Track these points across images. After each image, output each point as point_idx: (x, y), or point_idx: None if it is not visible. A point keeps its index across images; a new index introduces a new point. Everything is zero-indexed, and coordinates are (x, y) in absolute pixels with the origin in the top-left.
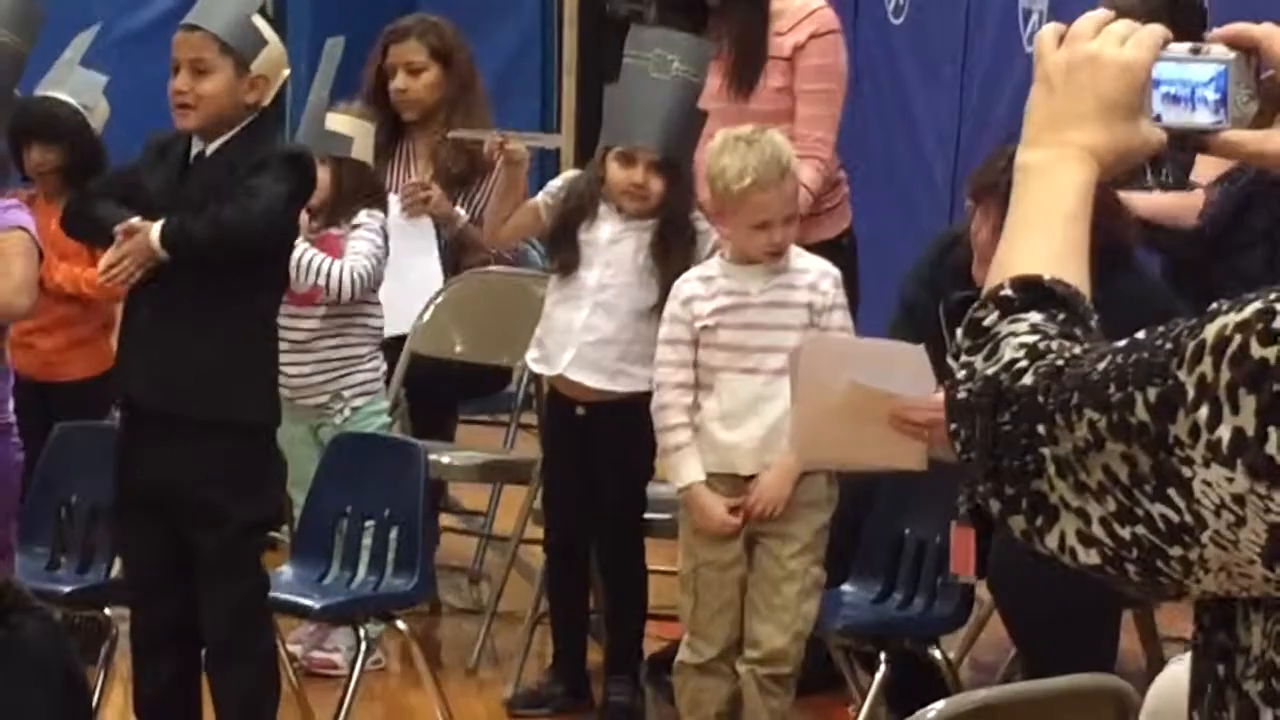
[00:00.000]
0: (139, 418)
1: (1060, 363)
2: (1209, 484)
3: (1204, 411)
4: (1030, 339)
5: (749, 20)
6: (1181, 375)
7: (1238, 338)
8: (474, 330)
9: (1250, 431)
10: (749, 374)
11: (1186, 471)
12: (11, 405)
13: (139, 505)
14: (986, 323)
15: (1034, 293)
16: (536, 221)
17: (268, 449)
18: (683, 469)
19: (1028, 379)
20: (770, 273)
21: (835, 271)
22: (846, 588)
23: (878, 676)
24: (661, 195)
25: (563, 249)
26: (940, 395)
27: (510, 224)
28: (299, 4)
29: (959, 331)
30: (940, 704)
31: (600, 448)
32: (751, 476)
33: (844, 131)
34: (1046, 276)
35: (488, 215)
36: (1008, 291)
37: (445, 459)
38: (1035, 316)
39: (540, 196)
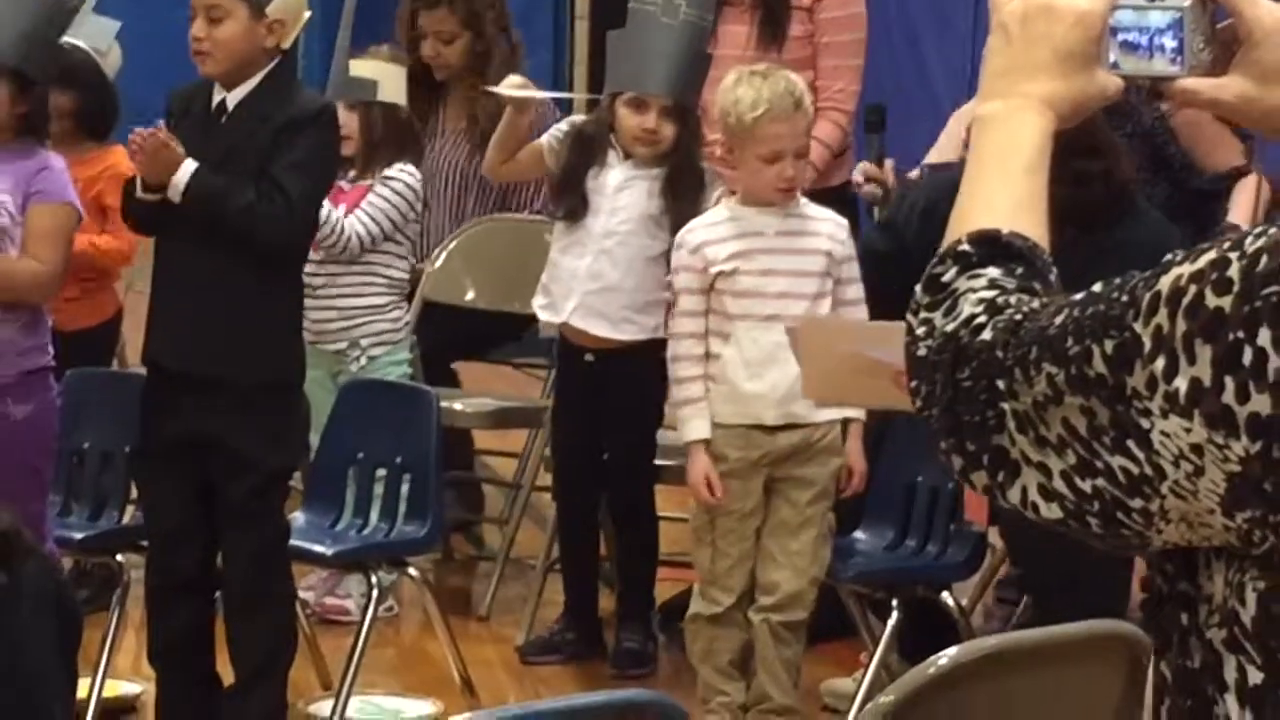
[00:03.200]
0: (166, 375)
1: (1019, 317)
2: (1167, 435)
3: (1161, 362)
4: (989, 294)
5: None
6: (1138, 327)
7: (1192, 288)
8: (488, 277)
9: (1207, 381)
10: (770, 321)
11: (1145, 423)
12: (51, 351)
13: (164, 454)
14: (945, 279)
15: (992, 247)
16: (539, 163)
17: (296, 399)
18: (690, 425)
19: (986, 334)
20: (783, 215)
21: (846, 221)
22: (859, 535)
23: (890, 623)
24: (673, 140)
25: (569, 196)
26: None
27: (512, 164)
28: None
29: (918, 288)
30: (952, 650)
31: (609, 394)
32: (777, 427)
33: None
34: (1004, 230)
35: (489, 151)
36: (965, 246)
37: (457, 405)
38: (993, 271)
39: (545, 139)
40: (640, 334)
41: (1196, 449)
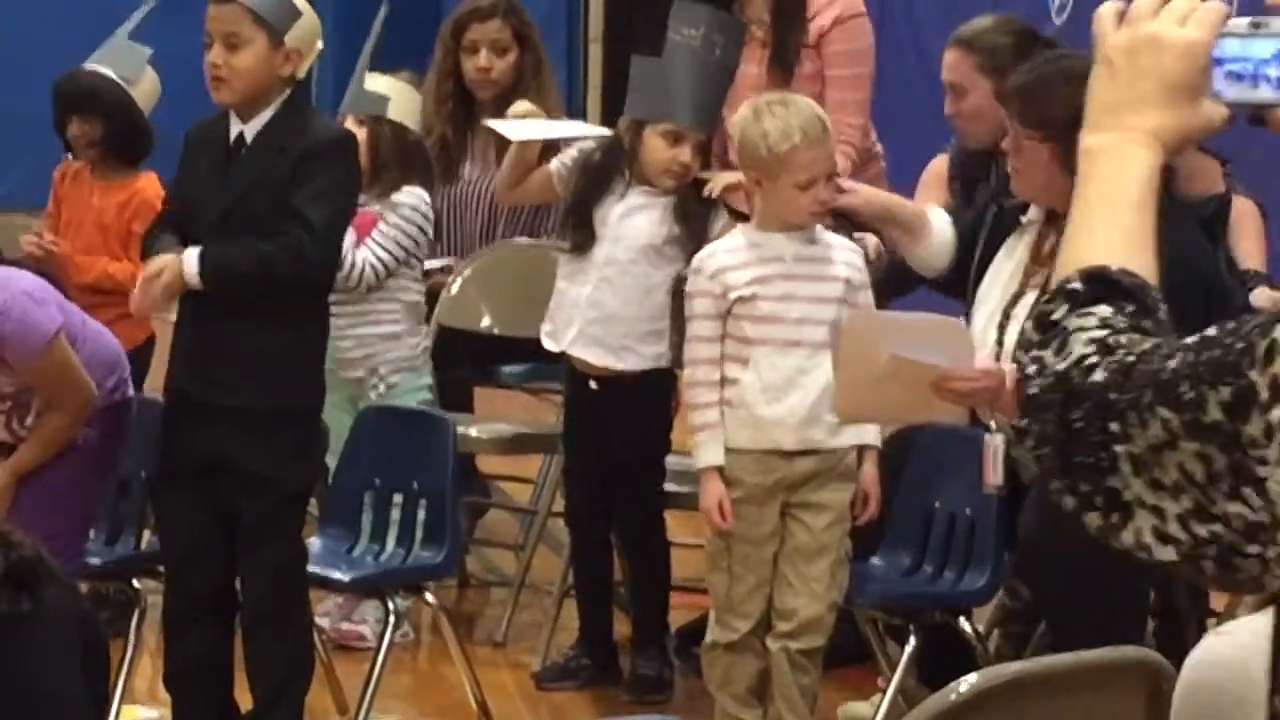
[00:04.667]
0: (187, 401)
1: (1131, 359)
2: None
3: (1277, 412)
4: (1099, 333)
5: (788, 5)
6: (1254, 375)
7: None
8: (503, 302)
9: None
10: (790, 347)
11: (1261, 471)
12: (128, 384)
13: (181, 478)
14: (1055, 316)
15: (1101, 285)
16: (548, 189)
17: (315, 422)
18: (704, 451)
19: (1098, 375)
20: (801, 241)
21: (860, 249)
22: (876, 560)
23: (907, 649)
24: (693, 175)
25: (579, 228)
26: (980, 362)
27: (521, 190)
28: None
29: (1028, 324)
30: (972, 677)
31: (613, 421)
32: (795, 452)
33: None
34: (1113, 267)
35: (498, 175)
36: (1075, 284)
37: (472, 430)
38: (1104, 310)
39: (554, 164)
40: (641, 363)
41: None
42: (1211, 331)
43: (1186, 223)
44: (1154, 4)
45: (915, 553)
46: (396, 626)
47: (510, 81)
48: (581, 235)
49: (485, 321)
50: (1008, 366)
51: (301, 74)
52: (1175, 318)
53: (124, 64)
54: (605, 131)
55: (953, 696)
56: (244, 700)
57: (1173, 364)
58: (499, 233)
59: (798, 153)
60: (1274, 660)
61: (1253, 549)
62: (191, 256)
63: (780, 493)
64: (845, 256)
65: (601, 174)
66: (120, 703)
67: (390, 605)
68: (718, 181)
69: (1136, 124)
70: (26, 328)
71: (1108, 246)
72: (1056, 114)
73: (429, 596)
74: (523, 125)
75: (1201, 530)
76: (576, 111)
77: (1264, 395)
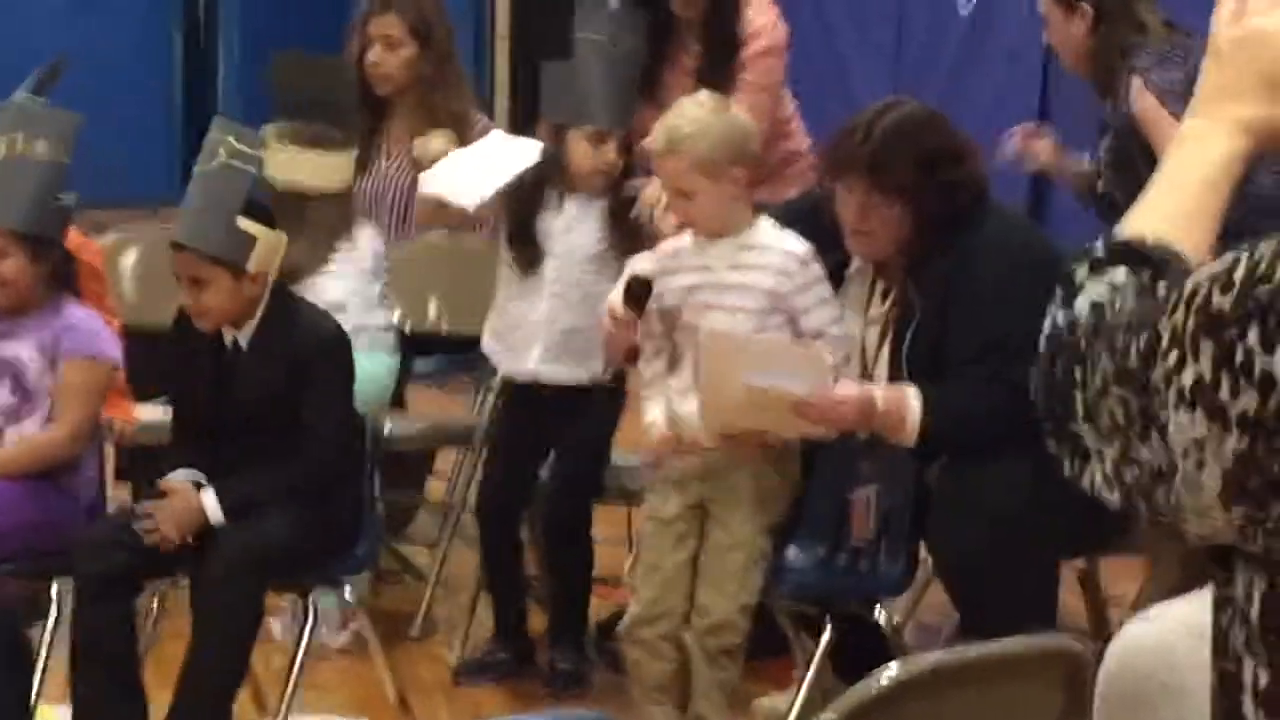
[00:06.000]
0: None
1: (1107, 313)
2: (1178, 427)
3: (1173, 357)
4: (1100, 294)
5: (723, 34)
6: (1162, 324)
7: (1204, 288)
8: (412, 297)
9: (1208, 377)
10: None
11: (1162, 415)
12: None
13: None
14: (1077, 277)
15: (1125, 250)
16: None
17: None
18: (647, 414)
19: (1080, 329)
20: (736, 248)
21: (796, 248)
22: (790, 551)
23: (823, 640)
24: (619, 169)
25: (527, 248)
26: (842, 388)
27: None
28: (230, 5)
29: (1057, 285)
30: (892, 667)
31: (562, 424)
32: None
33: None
34: (1150, 238)
35: (418, 212)
36: (1099, 249)
37: (386, 425)
38: (1119, 275)
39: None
40: (597, 370)
41: (1199, 443)
42: (1158, 286)
43: (1006, 211)
44: (1270, 1)
45: (829, 544)
46: (317, 623)
47: (407, 78)
48: (529, 254)
49: (398, 316)
50: (878, 389)
51: (273, 275)
52: None
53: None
54: (537, 152)
55: (874, 687)
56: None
57: (1122, 315)
58: (414, 225)
59: (658, 156)
60: (1215, 626)
61: (1160, 493)
62: (211, 502)
63: (696, 482)
64: (777, 262)
65: (535, 190)
66: (36, 702)
67: (308, 601)
68: (643, 205)
69: (1229, 113)
70: (95, 333)
71: (1157, 218)
72: (905, 176)
73: (348, 592)
74: (462, 184)
75: (1127, 474)
76: (483, 106)
77: (1165, 342)
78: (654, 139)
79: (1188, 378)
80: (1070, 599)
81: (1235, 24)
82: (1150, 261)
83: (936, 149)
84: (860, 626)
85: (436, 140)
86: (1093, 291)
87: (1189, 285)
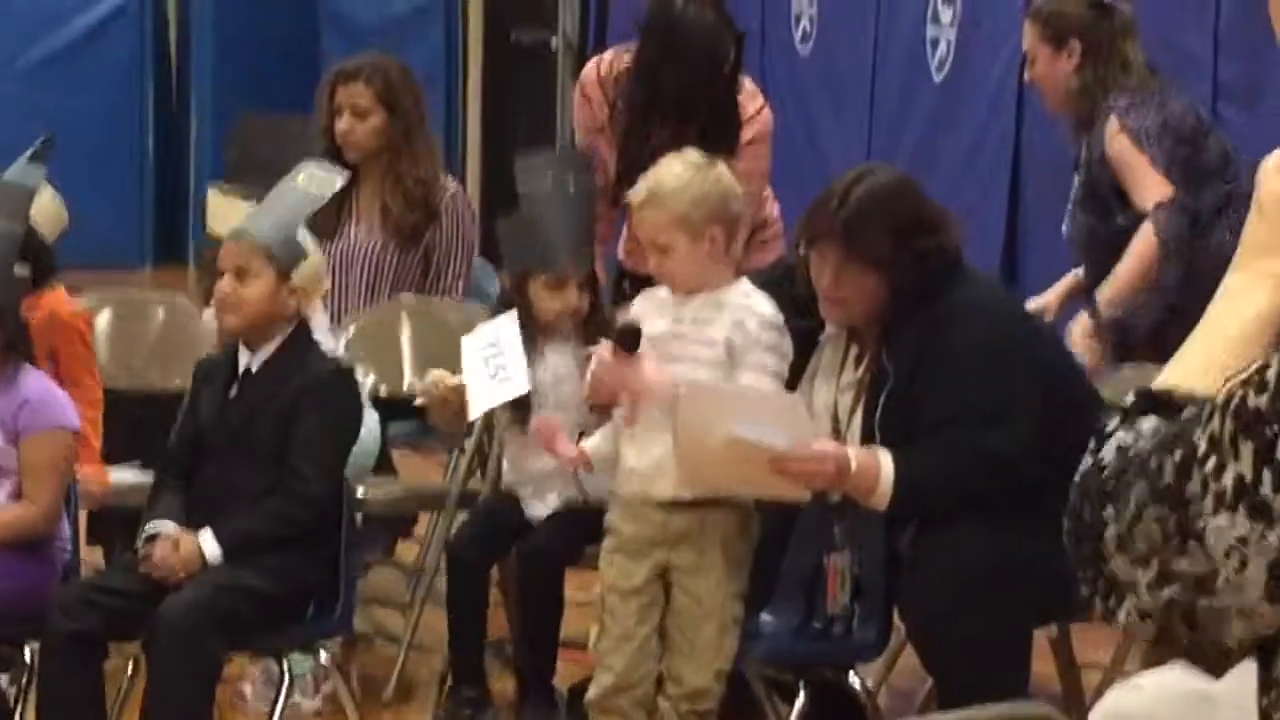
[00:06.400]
0: None
1: (1131, 454)
2: (1218, 530)
3: (1211, 463)
4: (1126, 440)
5: (723, 125)
6: (1197, 435)
7: (1239, 392)
8: (388, 361)
9: (1248, 476)
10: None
11: (1200, 523)
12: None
13: None
14: (1109, 429)
15: (1155, 402)
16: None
17: None
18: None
19: (1107, 470)
20: (702, 304)
21: (763, 310)
22: (765, 617)
23: (797, 705)
24: (586, 306)
25: (518, 408)
26: (820, 445)
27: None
28: (202, 69)
29: (1090, 438)
30: None
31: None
32: (669, 504)
33: None
34: (1180, 390)
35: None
36: (1131, 399)
37: (359, 490)
38: (1148, 424)
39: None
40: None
41: (1242, 541)
42: (1187, 412)
43: (980, 275)
44: None
45: (803, 609)
46: (292, 686)
47: (375, 146)
48: (522, 412)
49: (371, 380)
50: (852, 451)
51: (306, 311)
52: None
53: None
54: (525, 383)
55: None
56: None
57: (1152, 444)
58: (385, 292)
59: (637, 208)
60: (1260, 712)
61: (1203, 602)
62: (208, 540)
63: (656, 549)
64: (738, 316)
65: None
66: None
67: (284, 665)
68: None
69: (1269, 269)
70: (51, 404)
71: (1191, 371)
72: (879, 246)
73: (323, 655)
74: (479, 394)
75: (1164, 594)
76: (456, 165)
77: (1202, 450)
78: (636, 191)
79: (1228, 479)
80: (1042, 666)
81: (1278, 177)
82: (1178, 411)
83: (911, 219)
84: (834, 690)
85: (435, 375)
86: (1120, 439)
87: (1222, 395)
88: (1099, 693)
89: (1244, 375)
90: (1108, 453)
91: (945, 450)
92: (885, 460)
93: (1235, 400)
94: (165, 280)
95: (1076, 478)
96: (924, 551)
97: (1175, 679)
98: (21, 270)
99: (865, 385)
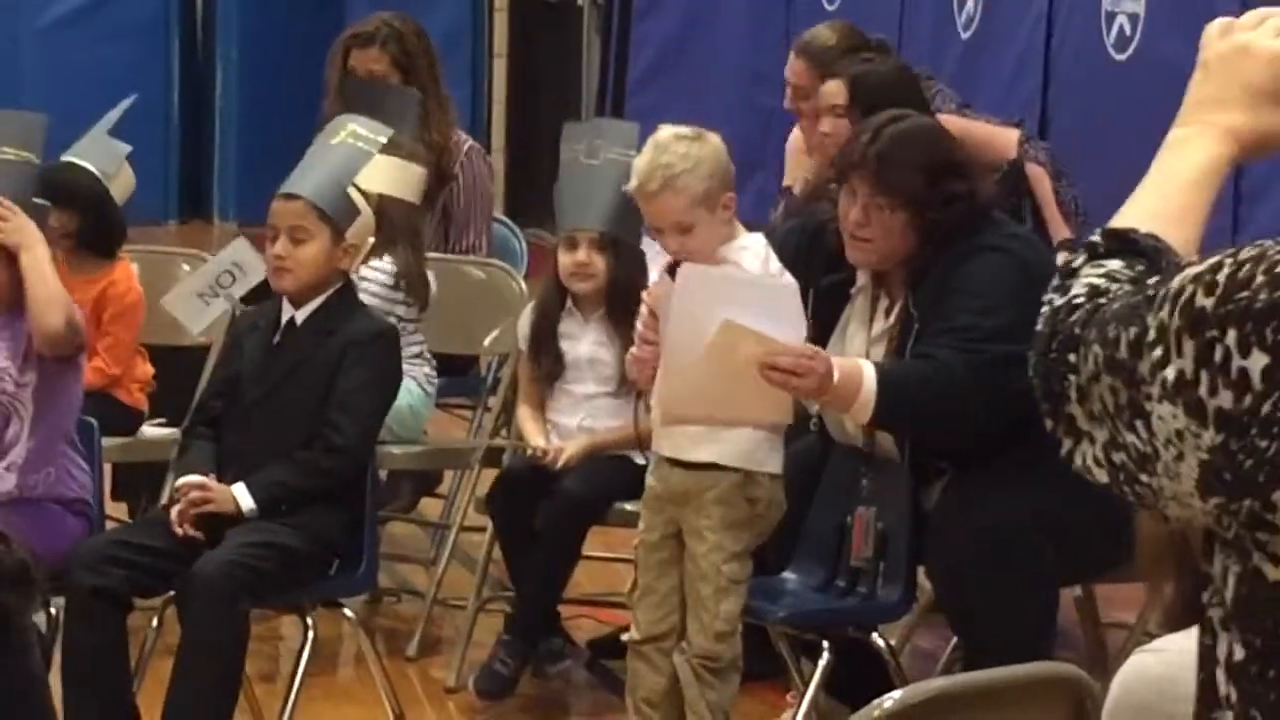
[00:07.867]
0: None
1: (1104, 301)
2: (1161, 419)
3: (1159, 352)
4: (1098, 281)
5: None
6: (1149, 318)
7: (1189, 288)
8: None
9: (1189, 374)
10: None
11: (1147, 406)
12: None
13: None
14: (1075, 265)
15: (1120, 242)
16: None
17: None
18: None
19: (1078, 314)
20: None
21: (774, 267)
22: (788, 575)
23: (820, 664)
24: (608, 271)
25: (545, 360)
26: (807, 344)
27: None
28: (228, 22)
29: (1056, 275)
30: (897, 694)
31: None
32: (673, 463)
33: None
34: (1141, 230)
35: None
36: (1097, 239)
37: (387, 448)
38: (1115, 263)
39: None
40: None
41: (1179, 434)
42: (1150, 281)
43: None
44: (1258, 17)
45: (827, 568)
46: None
47: None
48: (550, 365)
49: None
50: (836, 359)
51: (354, 268)
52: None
53: (102, 158)
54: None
55: (876, 713)
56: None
57: (1116, 306)
58: None
59: (651, 197)
60: (1200, 676)
61: (1143, 478)
62: (242, 493)
63: (668, 505)
64: (745, 260)
65: (547, 306)
66: None
67: (308, 621)
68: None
69: (1215, 120)
70: None
71: (1145, 214)
72: (910, 181)
73: (348, 612)
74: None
75: (1116, 458)
76: (480, 125)
77: (1152, 336)
78: (644, 181)
79: (1171, 373)
80: (1068, 625)
81: (1222, 39)
82: (1143, 253)
83: (944, 161)
84: (857, 650)
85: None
86: (1089, 277)
87: (1175, 284)
88: (1124, 652)
89: (1199, 268)
90: (1077, 292)
91: (932, 359)
92: (868, 369)
93: (1185, 296)
94: (190, 235)
95: (1045, 311)
96: (951, 510)
97: (1192, 643)
98: (41, 202)
99: (895, 335)
